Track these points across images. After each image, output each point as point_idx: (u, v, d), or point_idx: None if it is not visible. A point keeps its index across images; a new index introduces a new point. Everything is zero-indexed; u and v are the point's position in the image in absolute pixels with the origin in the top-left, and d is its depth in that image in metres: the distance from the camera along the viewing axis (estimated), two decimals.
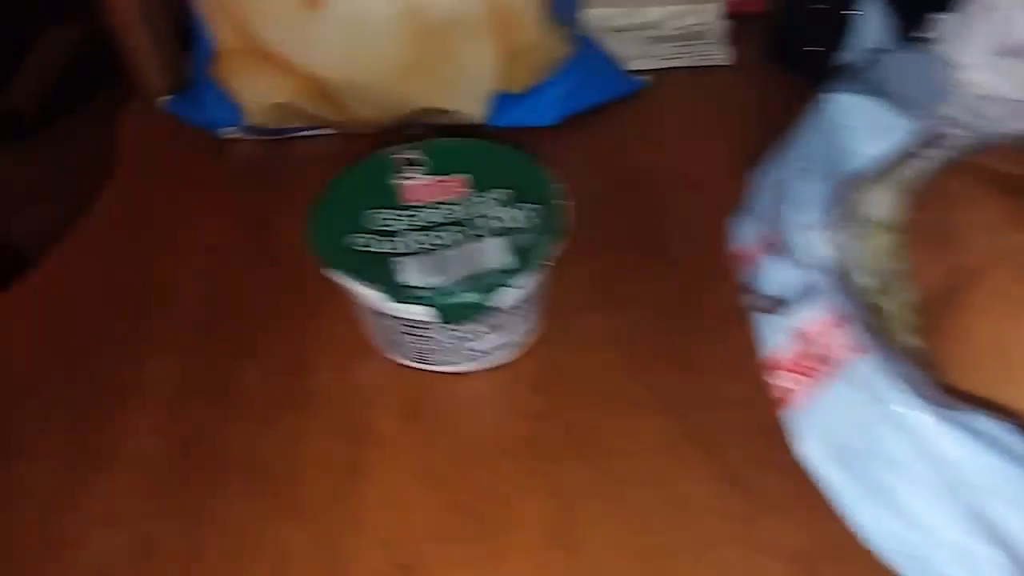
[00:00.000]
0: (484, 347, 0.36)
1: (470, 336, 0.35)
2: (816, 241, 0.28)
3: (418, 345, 0.36)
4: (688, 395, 0.36)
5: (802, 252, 0.29)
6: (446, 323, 0.34)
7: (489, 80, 0.45)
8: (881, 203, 0.32)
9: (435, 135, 0.49)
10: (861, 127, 0.30)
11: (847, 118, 0.30)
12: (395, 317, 0.35)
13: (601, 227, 0.44)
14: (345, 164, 0.50)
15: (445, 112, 0.46)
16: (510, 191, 0.37)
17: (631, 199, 0.46)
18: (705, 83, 0.54)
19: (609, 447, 0.35)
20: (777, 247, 0.31)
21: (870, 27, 0.40)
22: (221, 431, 0.36)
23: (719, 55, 0.55)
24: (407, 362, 0.37)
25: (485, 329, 0.35)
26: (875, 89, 0.32)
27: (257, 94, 0.45)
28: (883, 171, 0.31)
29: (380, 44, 0.42)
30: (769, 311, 0.31)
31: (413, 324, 0.35)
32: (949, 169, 0.32)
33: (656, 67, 0.54)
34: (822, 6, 0.49)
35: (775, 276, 0.31)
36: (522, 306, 0.36)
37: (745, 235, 0.35)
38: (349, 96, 0.44)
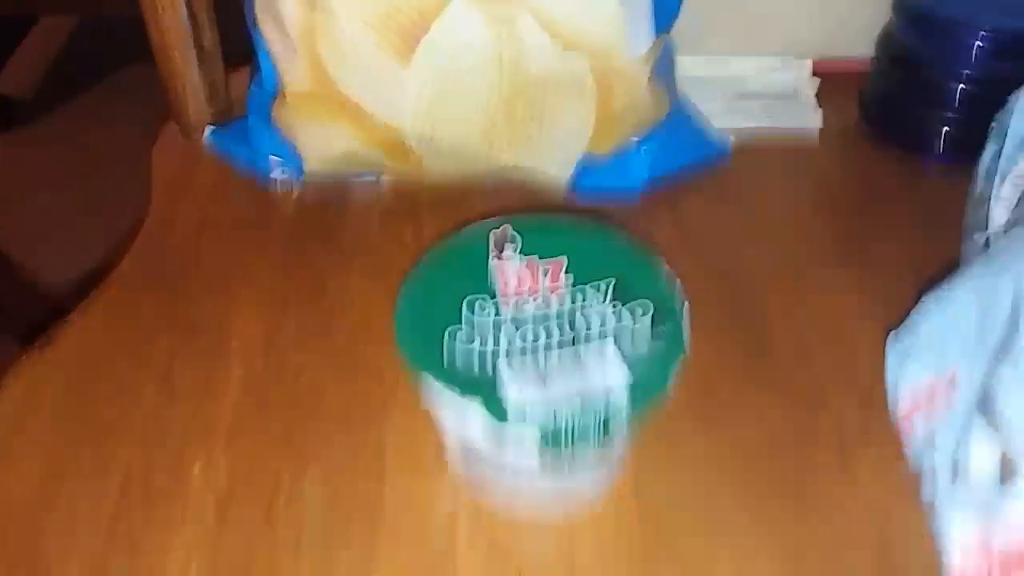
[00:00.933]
0: (582, 478, 0.32)
1: (570, 469, 0.31)
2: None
3: (507, 476, 0.31)
4: (811, 541, 0.31)
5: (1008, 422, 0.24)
6: (548, 457, 0.30)
7: (582, 142, 0.41)
8: None
9: (510, 192, 0.45)
10: None
11: None
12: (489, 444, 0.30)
13: (694, 321, 0.39)
14: (407, 217, 0.46)
15: (527, 172, 0.42)
16: (615, 284, 0.33)
17: (725, 289, 0.41)
18: (795, 149, 0.50)
19: None
20: (964, 400, 0.27)
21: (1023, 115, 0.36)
22: (276, 560, 0.30)
23: (810, 118, 0.51)
24: (492, 486, 0.32)
25: (589, 462, 0.31)
26: None
27: (323, 142, 0.40)
28: None
29: (472, 98, 0.38)
30: (953, 496, 0.26)
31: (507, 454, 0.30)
32: None
33: (741, 126, 0.50)
34: (940, 78, 0.45)
35: (971, 450, 0.26)
36: (631, 430, 0.32)
37: (912, 374, 0.30)
38: (426, 150, 0.40)
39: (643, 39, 0.39)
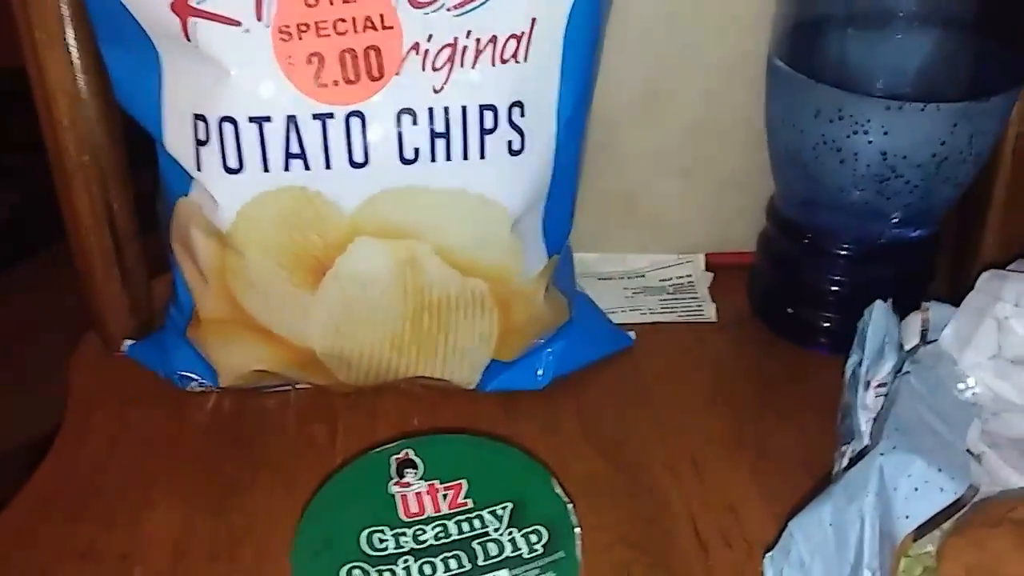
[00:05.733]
0: None
1: None
2: None
3: None
4: None
5: None
6: None
7: (486, 353, 0.43)
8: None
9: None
10: (911, 492, 0.29)
11: (897, 481, 0.29)
12: None
13: (598, 517, 0.41)
14: (319, 421, 0.47)
15: (435, 379, 0.44)
16: (511, 505, 0.34)
17: (628, 482, 0.43)
18: (692, 341, 0.53)
19: None
20: None
21: (878, 327, 0.39)
22: None
23: (704, 311, 0.54)
24: None
25: None
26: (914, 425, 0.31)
27: (238, 361, 0.42)
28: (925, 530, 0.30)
29: (378, 321, 0.40)
30: None
31: None
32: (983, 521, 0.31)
33: (641, 321, 0.53)
34: (813, 281, 0.49)
35: None
36: None
37: None
38: (337, 365, 0.42)
39: (537, 262, 0.42)
